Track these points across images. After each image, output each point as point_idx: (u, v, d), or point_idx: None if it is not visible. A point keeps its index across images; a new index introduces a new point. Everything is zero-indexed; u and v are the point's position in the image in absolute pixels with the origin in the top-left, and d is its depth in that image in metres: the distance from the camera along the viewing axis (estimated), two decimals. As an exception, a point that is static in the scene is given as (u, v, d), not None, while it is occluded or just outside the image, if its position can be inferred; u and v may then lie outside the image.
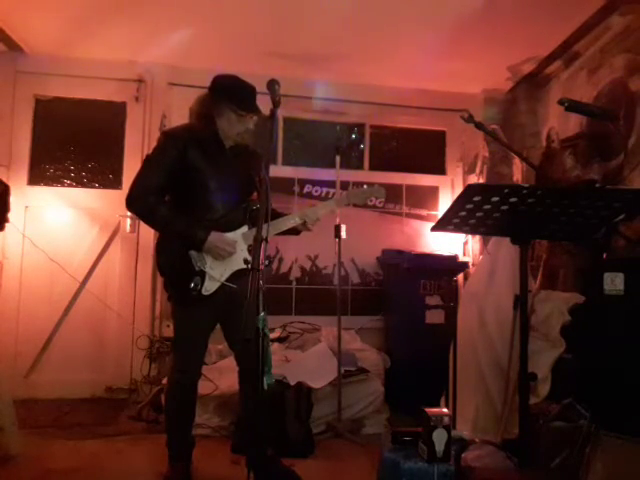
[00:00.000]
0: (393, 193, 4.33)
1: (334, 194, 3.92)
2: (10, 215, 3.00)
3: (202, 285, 2.26)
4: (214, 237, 2.24)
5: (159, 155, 2.30)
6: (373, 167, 4.36)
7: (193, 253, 2.26)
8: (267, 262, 2.32)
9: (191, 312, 2.33)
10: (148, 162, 2.32)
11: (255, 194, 2.45)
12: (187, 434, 2.47)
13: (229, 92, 2.33)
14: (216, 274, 2.27)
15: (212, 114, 2.32)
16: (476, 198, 1.84)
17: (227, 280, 2.29)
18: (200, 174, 2.28)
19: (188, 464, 2.44)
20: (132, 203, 2.27)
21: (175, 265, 2.28)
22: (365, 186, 2.67)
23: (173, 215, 2.27)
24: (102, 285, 3.84)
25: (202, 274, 2.26)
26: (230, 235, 2.32)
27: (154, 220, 2.32)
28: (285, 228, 2.40)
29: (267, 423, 2.45)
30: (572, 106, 3.01)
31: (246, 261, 2.21)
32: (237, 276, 2.31)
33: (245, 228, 2.35)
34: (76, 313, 3.78)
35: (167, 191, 2.33)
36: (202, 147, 2.29)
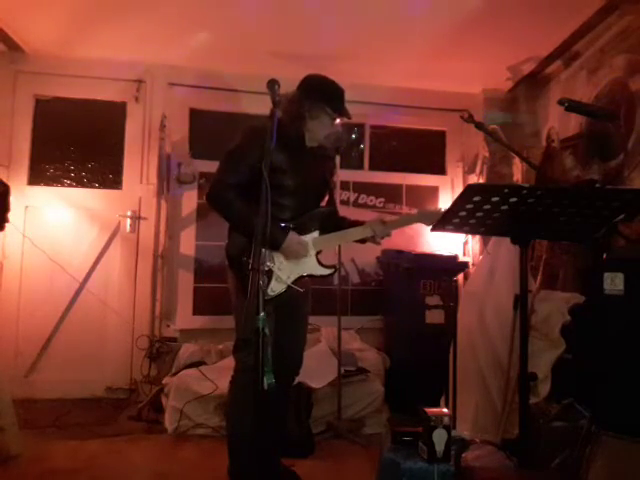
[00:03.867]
0: (393, 193, 4.33)
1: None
2: (10, 215, 2.99)
3: (268, 285, 2.18)
4: (292, 237, 2.20)
5: (242, 151, 2.23)
6: (373, 167, 4.36)
7: (264, 251, 2.21)
8: (334, 269, 2.34)
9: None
10: (231, 157, 2.26)
11: (327, 198, 2.45)
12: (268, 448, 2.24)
13: (325, 94, 2.28)
14: (283, 275, 2.23)
15: (304, 115, 2.25)
16: (476, 198, 1.84)
17: (294, 282, 2.25)
18: (279, 174, 2.20)
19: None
20: (211, 199, 2.24)
21: (244, 260, 2.15)
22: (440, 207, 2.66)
23: (247, 212, 2.13)
24: (102, 285, 3.84)
25: (269, 273, 2.19)
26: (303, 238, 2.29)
27: (232, 215, 2.25)
28: (353, 240, 2.38)
29: (274, 422, 2.40)
30: (572, 106, 3.01)
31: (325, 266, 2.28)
32: (301, 282, 2.28)
33: (316, 233, 2.32)
34: (76, 313, 3.78)
35: (245, 187, 2.21)
36: (285, 147, 2.20)
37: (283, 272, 2.23)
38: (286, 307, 2.28)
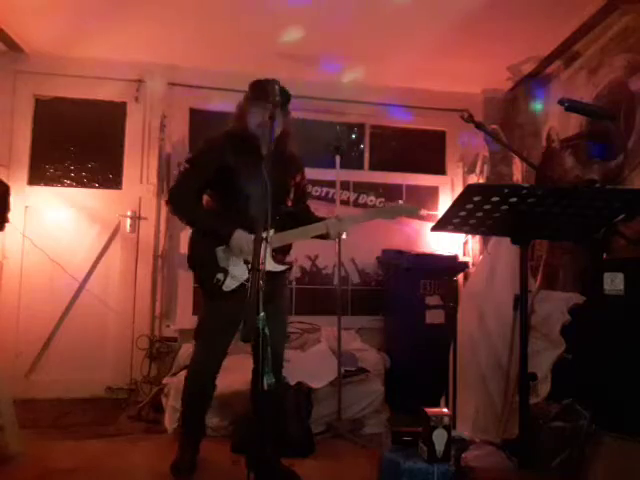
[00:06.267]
0: (393, 193, 4.33)
1: (334, 194, 3.92)
2: (10, 215, 2.99)
3: (224, 282, 2.36)
4: (238, 234, 2.33)
5: (198, 160, 2.46)
6: (373, 167, 4.36)
7: (219, 250, 2.38)
8: (289, 266, 2.43)
9: (216, 306, 2.43)
10: (189, 166, 2.47)
11: (291, 198, 2.55)
12: (199, 424, 2.58)
13: (250, 87, 2.45)
14: (237, 273, 2.36)
15: (244, 114, 2.42)
16: (476, 198, 1.84)
17: (247, 280, 2.32)
18: (234, 181, 2.39)
19: (195, 453, 2.53)
20: (170, 202, 2.47)
21: (203, 259, 2.41)
22: (400, 201, 2.69)
23: (203, 213, 2.45)
24: (102, 285, 3.84)
25: (225, 271, 2.37)
26: (253, 237, 2.34)
27: (186, 217, 2.48)
28: (308, 236, 2.47)
29: (272, 422, 2.48)
30: (572, 106, 3.01)
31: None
32: (279, 277, 2.39)
33: (272, 231, 2.36)
34: (76, 313, 3.78)
35: (205, 191, 2.48)
36: (238, 154, 2.39)
37: (237, 270, 2.37)
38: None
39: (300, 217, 2.52)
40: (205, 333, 2.51)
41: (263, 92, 2.36)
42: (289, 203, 2.52)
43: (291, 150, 2.54)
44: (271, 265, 2.36)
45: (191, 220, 2.48)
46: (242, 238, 2.32)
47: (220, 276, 2.36)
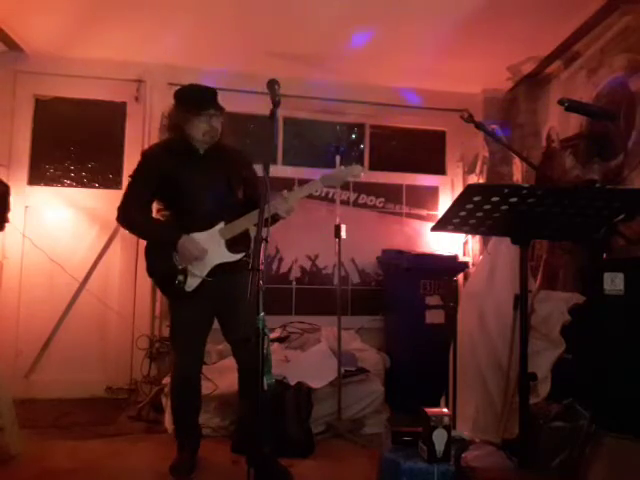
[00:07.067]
0: (393, 193, 4.33)
1: (334, 194, 3.92)
2: (10, 215, 3.00)
3: (185, 282, 2.42)
4: (184, 240, 2.39)
5: (138, 175, 2.52)
6: (373, 167, 4.35)
7: (176, 253, 2.43)
8: (244, 254, 2.46)
9: (183, 307, 2.48)
10: (130, 182, 2.54)
11: (240, 191, 2.57)
12: (191, 426, 2.62)
13: (184, 99, 2.48)
14: (197, 270, 2.42)
15: (181, 125, 2.46)
16: (476, 198, 1.84)
17: (208, 275, 2.43)
18: (177, 184, 2.45)
19: (193, 454, 2.57)
20: (118, 219, 2.53)
21: (161, 265, 2.45)
22: (342, 167, 2.64)
23: (151, 224, 2.52)
24: (102, 285, 3.84)
25: (185, 272, 2.42)
26: (205, 234, 2.43)
27: (135, 231, 2.59)
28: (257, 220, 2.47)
29: (266, 422, 2.47)
30: (572, 106, 3.01)
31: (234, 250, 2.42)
32: (220, 270, 2.43)
33: (222, 224, 2.45)
34: (76, 313, 3.78)
35: (152, 202, 2.56)
36: (176, 158, 2.45)
37: (196, 268, 2.42)
38: (228, 302, 2.43)
39: (252, 207, 2.48)
40: (178, 336, 2.57)
41: (201, 101, 2.44)
42: (239, 196, 2.56)
43: (232, 146, 2.59)
44: (226, 256, 2.43)
45: (141, 233, 2.58)
46: (188, 244, 2.38)
47: (181, 277, 2.41)
